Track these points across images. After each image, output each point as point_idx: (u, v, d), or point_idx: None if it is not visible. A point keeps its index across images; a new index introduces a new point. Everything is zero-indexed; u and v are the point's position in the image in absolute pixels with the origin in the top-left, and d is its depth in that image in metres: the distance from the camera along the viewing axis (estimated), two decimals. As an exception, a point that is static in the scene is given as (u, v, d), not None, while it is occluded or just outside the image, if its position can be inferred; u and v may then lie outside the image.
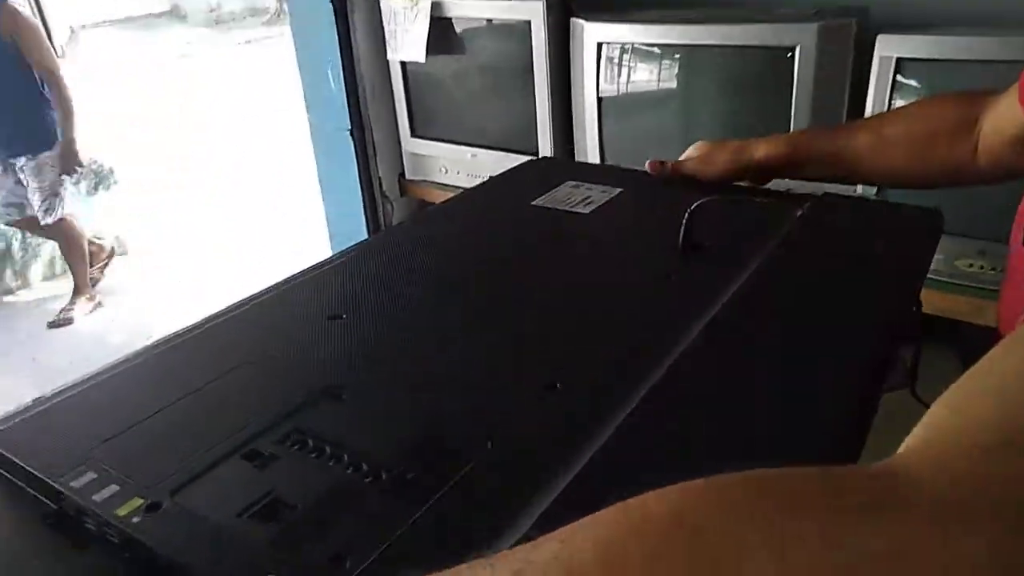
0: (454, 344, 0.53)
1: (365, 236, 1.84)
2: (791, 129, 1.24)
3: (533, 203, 0.79)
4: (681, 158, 0.83)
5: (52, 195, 2.83)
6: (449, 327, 0.55)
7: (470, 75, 1.61)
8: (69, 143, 2.73)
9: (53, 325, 2.93)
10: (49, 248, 3.30)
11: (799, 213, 0.73)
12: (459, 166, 1.70)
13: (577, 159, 1.51)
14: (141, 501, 0.39)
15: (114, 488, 0.41)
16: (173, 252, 3.46)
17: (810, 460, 0.45)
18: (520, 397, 0.47)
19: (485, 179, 1.64)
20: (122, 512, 0.39)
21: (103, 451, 0.44)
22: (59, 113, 2.69)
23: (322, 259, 0.68)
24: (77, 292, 3.01)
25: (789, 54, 1.23)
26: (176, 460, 0.42)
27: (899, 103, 1.15)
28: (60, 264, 3.35)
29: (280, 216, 3.44)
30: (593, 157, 1.46)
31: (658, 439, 0.44)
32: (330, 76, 1.69)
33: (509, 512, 0.38)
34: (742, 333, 0.54)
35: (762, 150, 0.79)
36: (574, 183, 0.83)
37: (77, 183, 3.35)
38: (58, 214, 2.87)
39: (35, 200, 2.81)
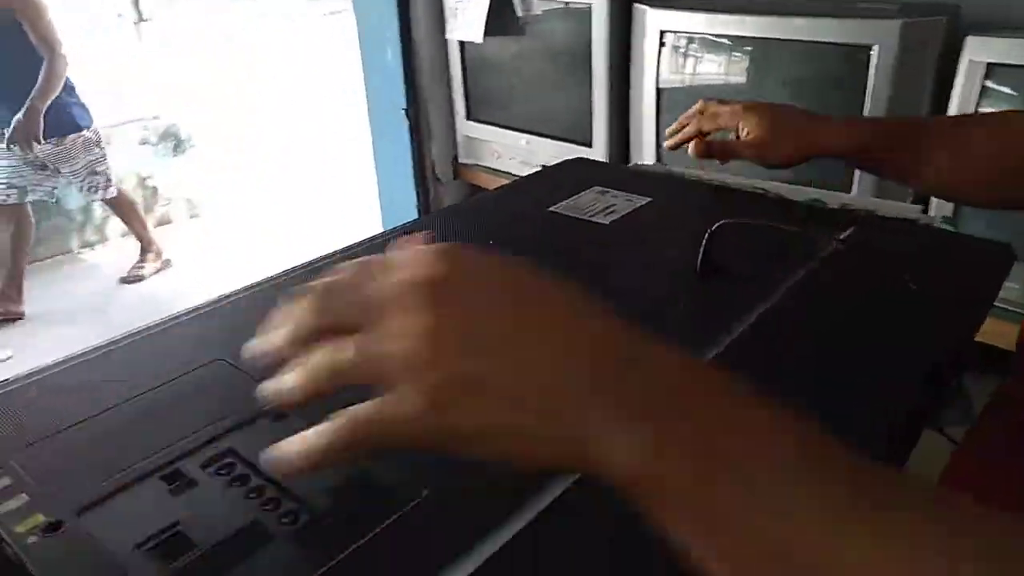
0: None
1: (415, 217, 1.82)
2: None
3: (551, 209, 0.73)
4: (720, 122, 0.73)
5: (91, 174, 2.73)
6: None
7: (527, 59, 1.56)
8: (34, 112, 2.48)
9: (124, 281, 3.03)
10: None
11: (841, 236, 0.65)
12: (512, 152, 1.65)
13: (632, 153, 1.44)
14: (42, 519, 0.37)
15: (23, 499, 0.38)
16: (242, 217, 3.53)
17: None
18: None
19: (537, 167, 1.59)
20: (21, 528, 0.36)
21: (26, 456, 0.41)
22: (40, 82, 2.47)
23: (320, 255, 0.65)
24: (144, 251, 3.09)
25: (866, 53, 1.13)
26: (98, 474, 0.40)
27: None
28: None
29: (342, 190, 3.46)
30: (649, 152, 1.39)
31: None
32: (388, 53, 1.66)
33: None
34: (750, 373, 0.48)
35: (829, 141, 0.69)
36: (600, 189, 0.78)
37: (157, 144, 3.45)
38: (109, 191, 2.80)
39: (74, 185, 2.75)
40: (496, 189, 0.88)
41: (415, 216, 1.81)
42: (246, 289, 0.58)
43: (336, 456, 0.27)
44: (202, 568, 0.34)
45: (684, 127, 0.75)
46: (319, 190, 3.67)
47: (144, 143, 3.42)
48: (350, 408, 0.27)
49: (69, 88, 2.60)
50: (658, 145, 1.36)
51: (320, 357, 0.28)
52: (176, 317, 0.55)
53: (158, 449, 0.41)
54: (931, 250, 0.65)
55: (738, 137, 0.72)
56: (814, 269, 0.59)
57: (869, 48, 1.12)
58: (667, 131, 0.76)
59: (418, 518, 0.37)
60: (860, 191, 1.11)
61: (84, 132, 2.67)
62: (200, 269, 3.11)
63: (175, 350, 0.51)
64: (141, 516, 0.37)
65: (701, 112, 0.74)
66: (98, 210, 3.30)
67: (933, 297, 0.57)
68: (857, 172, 1.12)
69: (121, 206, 2.97)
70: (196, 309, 0.56)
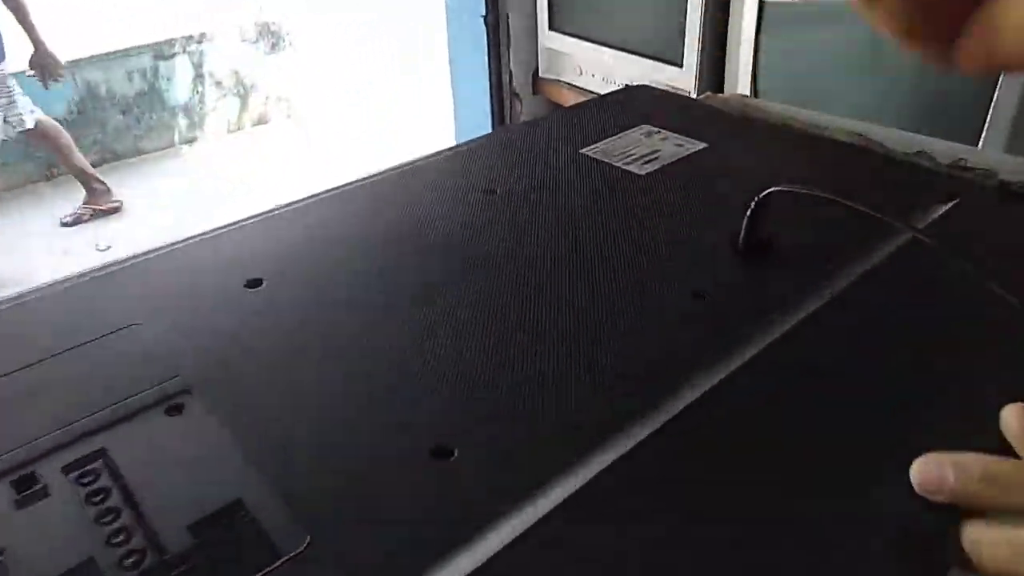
0: (354, 364, 0.40)
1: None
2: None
3: (583, 151, 0.62)
4: None
5: None
6: (364, 336, 0.42)
7: (617, -37, 1.39)
8: (39, 44, 2.41)
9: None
10: (229, 103, 3.44)
11: (939, 213, 0.51)
12: (595, 68, 1.50)
13: (726, 79, 1.27)
14: None
15: None
16: (335, 119, 3.49)
17: None
18: (393, 465, 0.34)
19: (620, 87, 1.44)
20: None
21: None
22: (16, 19, 2.34)
23: (298, 197, 0.56)
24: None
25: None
26: (-47, 466, 0.34)
27: None
28: (237, 121, 3.50)
29: (422, 100, 3.35)
30: (743, 81, 1.21)
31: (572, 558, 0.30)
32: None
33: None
34: (788, 398, 0.37)
35: None
36: (649, 129, 0.65)
37: (256, 42, 3.42)
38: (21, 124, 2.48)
39: None
40: (546, 116, 0.77)
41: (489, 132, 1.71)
42: (199, 235, 0.51)
43: None
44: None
45: None
46: (403, 97, 3.57)
47: (244, 40, 3.41)
48: None
49: None
50: (754, 72, 1.19)
51: None
52: (119, 263, 0.48)
53: (23, 442, 0.35)
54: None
55: None
56: (879, 265, 0.46)
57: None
58: None
59: (289, 573, 0.29)
60: (988, 141, 0.92)
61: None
62: (297, 168, 3.12)
63: (94, 306, 0.44)
64: (-29, 534, 0.31)
65: None
66: (196, 107, 3.35)
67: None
68: (989, 116, 0.93)
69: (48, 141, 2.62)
70: (143, 254, 0.49)
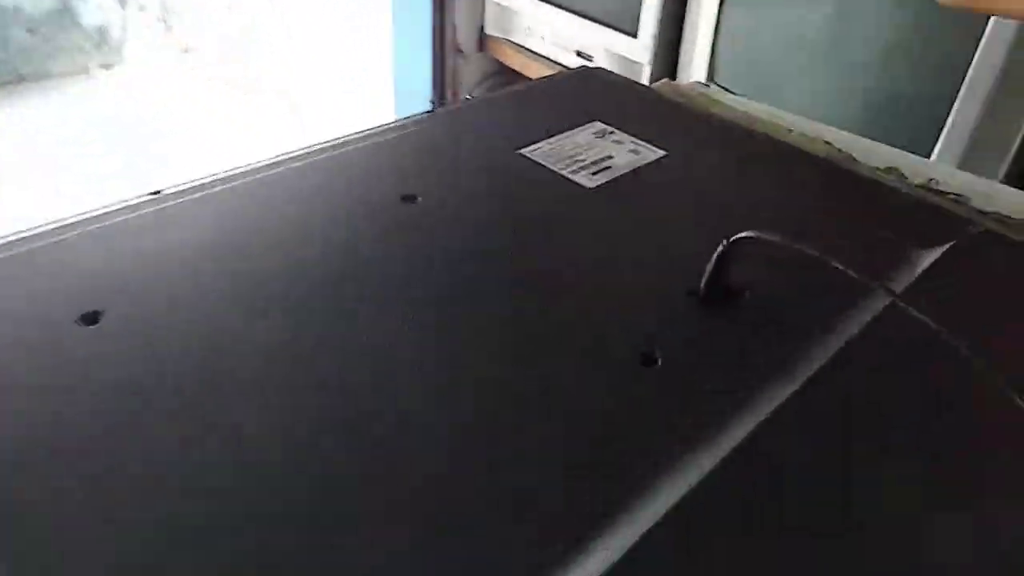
0: (205, 465, 0.31)
1: (429, 94, 1.59)
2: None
3: (522, 151, 0.53)
4: None
5: None
6: (225, 408, 0.33)
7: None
8: None
9: None
10: (151, 33, 3.20)
11: (931, 261, 0.44)
12: (544, 30, 1.39)
13: (682, 52, 1.18)
14: None
15: None
16: (248, 55, 3.27)
17: None
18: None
19: (571, 53, 1.34)
20: None
21: None
22: None
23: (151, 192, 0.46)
24: None
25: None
26: None
27: None
28: (160, 47, 3.25)
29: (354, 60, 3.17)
30: (700, 59, 1.13)
31: None
32: None
33: None
34: (765, 506, 0.30)
35: None
36: (602, 129, 0.56)
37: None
38: None
39: None
40: (484, 100, 0.67)
41: (429, 91, 1.59)
42: (27, 236, 0.40)
43: None
44: None
45: None
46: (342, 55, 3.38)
47: (169, -40, 3.15)
48: None
49: None
50: (713, 50, 1.11)
51: None
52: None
53: None
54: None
55: None
56: (868, 325, 0.39)
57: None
58: None
59: None
60: (945, 150, 0.87)
61: None
62: (216, 99, 2.92)
63: None
64: None
65: None
66: (116, 30, 3.09)
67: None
68: (949, 126, 0.87)
69: None
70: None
